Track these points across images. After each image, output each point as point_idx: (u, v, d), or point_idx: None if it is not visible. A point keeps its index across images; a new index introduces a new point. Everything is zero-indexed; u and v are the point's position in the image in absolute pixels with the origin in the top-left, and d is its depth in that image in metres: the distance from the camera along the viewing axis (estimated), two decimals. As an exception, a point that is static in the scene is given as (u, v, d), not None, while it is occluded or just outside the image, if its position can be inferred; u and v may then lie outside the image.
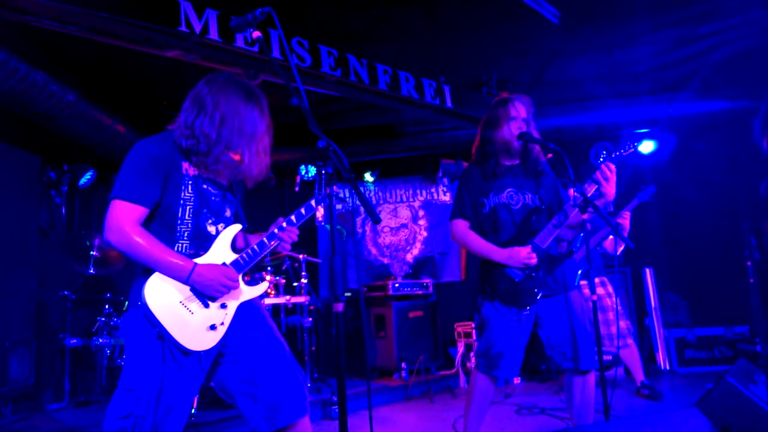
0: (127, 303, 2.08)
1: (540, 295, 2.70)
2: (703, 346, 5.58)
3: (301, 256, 5.15)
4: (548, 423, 3.79)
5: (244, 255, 2.07)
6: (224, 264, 2.03)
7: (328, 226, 6.36)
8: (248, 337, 2.09)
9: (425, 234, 7.09)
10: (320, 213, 1.51)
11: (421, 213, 7.13)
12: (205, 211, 2.08)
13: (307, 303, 4.99)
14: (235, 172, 2.10)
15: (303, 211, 2.13)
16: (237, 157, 2.06)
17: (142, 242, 1.89)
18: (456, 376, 5.57)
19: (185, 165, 2.04)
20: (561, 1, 4.10)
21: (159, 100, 5.23)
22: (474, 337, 5.53)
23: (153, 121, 5.40)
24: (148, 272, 1.94)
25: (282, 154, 6.09)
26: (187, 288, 1.95)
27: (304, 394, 2.10)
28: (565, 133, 5.88)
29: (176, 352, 1.93)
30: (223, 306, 2.02)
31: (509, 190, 2.82)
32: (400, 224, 7.09)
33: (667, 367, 5.61)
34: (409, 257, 7.03)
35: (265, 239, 2.10)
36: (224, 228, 2.12)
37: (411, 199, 7.16)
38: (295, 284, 5.11)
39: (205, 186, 2.09)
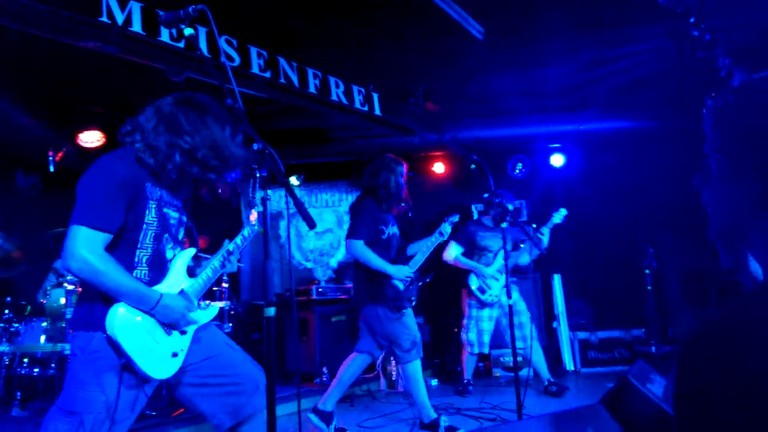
0: (74, 320, 1.97)
1: None
2: (605, 347, 5.99)
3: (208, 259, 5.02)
4: (463, 422, 3.94)
5: (200, 280, 2.11)
6: (183, 291, 2.05)
7: (261, 230, 6.24)
8: (202, 345, 2.12)
9: (350, 239, 7.13)
10: (253, 216, 1.50)
11: (346, 218, 7.15)
12: (166, 236, 2.05)
13: (227, 308, 4.88)
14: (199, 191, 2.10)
15: (247, 233, 2.21)
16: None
17: (108, 272, 1.82)
18: (377, 378, 5.63)
19: (149, 186, 1.97)
20: (485, 19, 4.30)
21: (70, 94, 4.95)
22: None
23: (61, 115, 5.11)
24: (108, 298, 1.87)
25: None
26: (151, 317, 1.93)
27: (263, 386, 2.16)
28: (484, 144, 6.14)
29: (134, 381, 1.91)
30: (184, 333, 2.04)
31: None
32: (325, 229, 7.09)
33: (573, 368, 5.97)
34: (333, 262, 7.04)
35: (216, 264, 2.14)
36: (179, 251, 2.11)
37: (337, 204, 7.18)
38: (216, 289, 4.98)
39: (166, 209, 2.05)
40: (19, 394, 4.40)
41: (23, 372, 4.25)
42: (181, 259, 2.10)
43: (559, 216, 4.89)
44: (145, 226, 1.97)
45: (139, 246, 1.97)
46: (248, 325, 5.64)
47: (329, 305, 5.87)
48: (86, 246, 1.80)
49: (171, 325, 1.99)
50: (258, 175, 1.58)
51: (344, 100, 4.65)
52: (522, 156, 6.74)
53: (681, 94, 5.55)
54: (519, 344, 4.84)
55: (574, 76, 5.53)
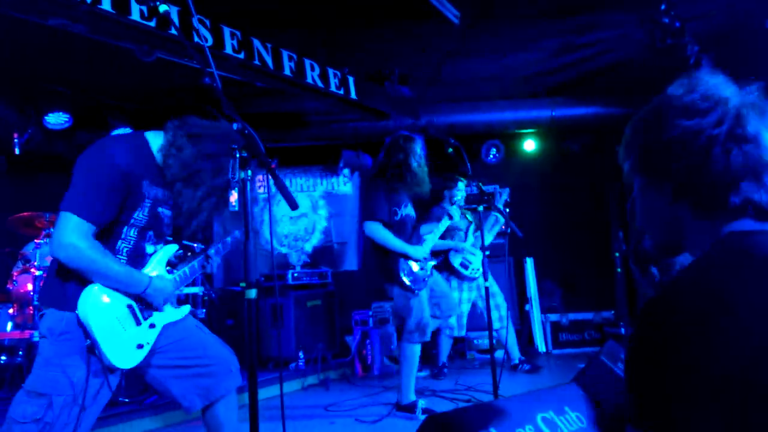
0: (44, 298, 1.93)
1: None
2: (575, 329, 6.14)
3: (195, 245, 4.96)
4: (439, 404, 4.00)
5: (177, 278, 2.12)
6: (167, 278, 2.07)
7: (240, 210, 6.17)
8: (172, 330, 2.11)
9: (325, 224, 7.11)
10: (233, 197, 1.49)
11: (321, 203, 7.13)
12: (151, 233, 2.04)
13: (201, 293, 4.82)
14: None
15: (229, 240, 2.25)
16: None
17: (99, 259, 1.81)
18: (351, 363, 5.67)
19: (146, 184, 1.94)
20: (461, 3, 4.30)
21: (35, 74, 4.77)
22: (370, 325, 5.66)
23: (26, 96, 4.93)
24: (81, 279, 1.84)
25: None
26: (125, 304, 1.92)
27: (234, 368, 2.19)
28: (458, 129, 6.16)
29: (101, 366, 1.88)
30: (152, 326, 2.02)
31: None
32: (300, 214, 7.05)
33: (544, 349, 6.11)
34: (308, 246, 7.01)
35: (195, 264, 2.15)
36: (160, 247, 2.10)
37: (311, 189, 7.14)
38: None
39: (160, 208, 2.03)
40: (-15, 382, 4.30)
41: (-10, 360, 4.14)
42: (162, 253, 2.10)
43: (503, 193, 5.08)
44: (132, 221, 1.96)
45: (122, 237, 1.96)
46: (222, 311, 5.59)
47: (304, 290, 5.85)
48: (76, 235, 1.77)
49: (154, 307, 2.00)
50: (238, 155, 1.56)
51: (320, 83, 4.60)
52: (496, 141, 6.79)
53: (650, 80, 5.64)
54: (496, 325, 4.95)
55: (546, 62, 5.58)
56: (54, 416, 1.79)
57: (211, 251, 2.23)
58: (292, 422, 3.86)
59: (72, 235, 1.77)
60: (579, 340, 6.11)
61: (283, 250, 6.93)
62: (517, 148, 7.07)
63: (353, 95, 4.86)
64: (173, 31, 3.53)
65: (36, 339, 3.86)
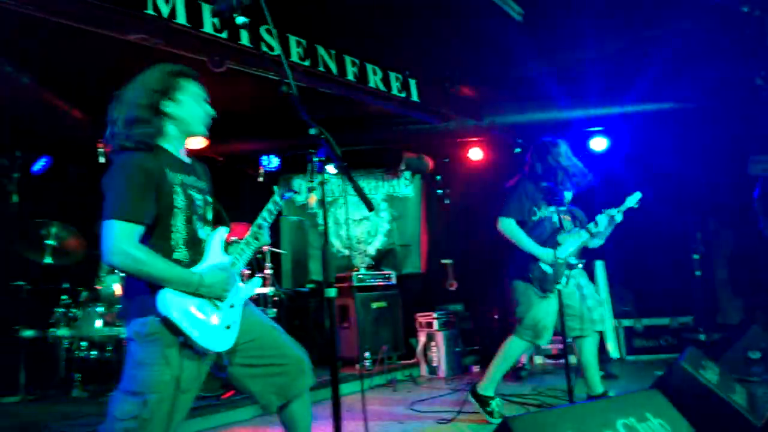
0: (126, 309, 2.05)
1: None
2: (650, 335, 5.89)
3: (264, 248, 5.13)
4: (508, 409, 3.93)
5: (236, 256, 2.17)
6: (220, 266, 2.11)
7: (319, 212, 6.31)
8: (248, 328, 2.18)
9: (387, 226, 7.16)
10: (312, 200, 1.54)
11: (383, 206, 7.20)
12: (195, 217, 2.10)
13: (271, 294, 4.98)
14: None
15: (272, 207, 2.24)
16: None
17: (149, 261, 1.89)
18: (417, 365, 5.68)
19: (169, 172, 2.03)
20: (522, 1, 4.22)
21: (117, 87, 5.07)
22: (434, 327, 5.65)
23: (107, 107, 5.24)
24: (153, 285, 1.94)
25: (243, 143, 6.03)
26: (196, 296, 1.99)
27: (308, 367, 2.25)
28: (523, 129, 6.06)
29: (194, 355, 1.98)
30: (232, 306, 2.11)
31: None
32: (362, 216, 7.14)
33: (618, 356, 5.89)
34: (371, 249, 7.09)
35: (249, 239, 2.19)
36: (211, 231, 2.18)
37: (373, 192, 7.21)
38: (259, 275, 5.08)
39: (190, 191, 2.10)
40: (78, 376, 4.61)
41: (82, 355, 4.44)
42: (216, 237, 2.16)
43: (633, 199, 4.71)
44: (174, 210, 2.01)
45: (173, 230, 2.02)
46: (290, 311, 5.75)
47: (369, 291, 5.92)
48: (123, 239, 1.85)
49: (217, 298, 2.06)
50: (316, 159, 1.61)
51: (382, 87, 4.65)
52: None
53: (728, 73, 5.35)
54: (598, 327, 4.71)
55: (615, 57, 5.39)
56: (150, 412, 1.89)
57: (259, 220, 2.26)
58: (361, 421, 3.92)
59: (119, 240, 1.85)
60: (655, 346, 5.85)
61: (347, 252, 7.03)
62: (583, 147, 6.85)
63: (415, 98, 4.88)
64: (242, 43, 3.69)
65: (124, 335, 4.11)
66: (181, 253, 2.03)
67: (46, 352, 4.70)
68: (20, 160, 5.10)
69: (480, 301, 6.36)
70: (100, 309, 4.36)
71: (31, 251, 4.70)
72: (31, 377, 4.66)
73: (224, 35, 3.66)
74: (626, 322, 5.93)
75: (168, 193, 1.99)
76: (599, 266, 6.15)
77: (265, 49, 3.87)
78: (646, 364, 5.44)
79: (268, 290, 4.93)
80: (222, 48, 3.80)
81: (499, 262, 4.98)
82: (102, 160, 5.23)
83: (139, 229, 1.90)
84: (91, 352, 4.42)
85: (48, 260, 4.70)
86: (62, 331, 4.45)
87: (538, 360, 5.84)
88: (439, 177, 7.15)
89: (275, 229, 6.72)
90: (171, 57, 3.96)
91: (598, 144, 6.81)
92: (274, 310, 4.92)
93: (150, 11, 3.45)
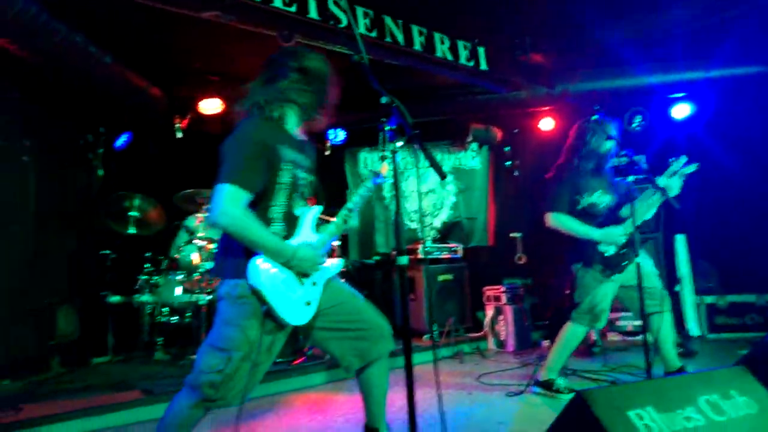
0: (220, 269, 2.19)
1: None
2: (734, 312, 5.55)
3: (332, 219, 5.21)
4: (582, 385, 3.84)
5: (326, 235, 2.28)
6: (311, 243, 2.21)
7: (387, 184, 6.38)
8: (331, 293, 2.30)
9: (453, 199, 7.09)
10: (384, 169, 1.54)
11: (449, 178, 7.11)
12: (295, 195, 2.22)
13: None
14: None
15: (363, 192, 2.33)
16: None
17: (251, 227, 2.01)
18: (484, 338, 5.65)
19: (283, 149, 2.13)
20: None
21: (191, 64, 5.25)
22: (502, 301, 5.58)
23: (184, 85, 5.44)
24: (248, 251, 2.06)
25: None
26: (286, 269, 2.10)
27: (387, 333, 2.36)
28: (598, 97, 5.76)
29: (274, 323, 2.10)
30: (315, 283, 2.21)
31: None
32: (428, 189, 7.10)
33: (698, 333, 5.61)
34: (437, 222, 7.05)
35: (339, 221, 2.29)
36: (307, 209, 2.27)
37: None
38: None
39: (297, 171, 2.21)
40: (161, 340, 4.91)
41: (163, 320, 4.71)
42: (310, 215, 2.25)
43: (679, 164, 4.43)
44: (279, 185, 2.13)
45: (275, 204, 2.14)
46: (357, 283, 5.83)
47: (436, 264, 5.91)
48: (232, 203, 1.98)
49: (304, 274, 2.15)
50: (387, 128, 1.60)
51: (449, 57, 4.55)
52: (640, 109, 6.26)
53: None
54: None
55: (699, 18, 4.99)
56: (233, 369, 2.04)
57: (351, 204, 2.34)
58: (431, 390, 3.96)
59: (229, 203, 1.98)
60: (739, 324, 5.52)
61: (413, 225, 7.03)
62: (663, 114, 6.46)
63: (483, 66, 4.75)
64: (311, 16, 3.70)
65: (201, 302, 4.33)
66: (278, 226, 2.15)
67: (131, 317, 5.03)
68: (104, 136, 5.40)
69: (549, 275, 6.21)
70: (180, 276, 4.59)
71: (115, 222, 5.00)
72: (119, 340, 5.01)
73: (293, 9, 3.67)
74: (708, 299, 5.62)
75: (277, 169, 2.12)
76: (680, 240, 5.85)
77: (332, 22, 3.86)
78: (729, 343, 5.15)
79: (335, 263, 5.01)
80: (291, 22, 3.82)
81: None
82: (179, 135, 5.47)
83: (247, 196, 2.02)
84: (172, 318, 4.69)
85: (131, 231, 4.99)
86: (145, 297, 4.73)
87: (613, 337, 5.65)
88: (508, 148, 6.98)
89: (342, 201, 6.80)
90: (242, 33, 4.04)
91: (681, 111, 6.40)
92: (342, 281, 5.00)
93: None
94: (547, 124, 6.60)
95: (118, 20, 4.32)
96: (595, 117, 3.60)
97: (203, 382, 2.06)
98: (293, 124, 2.26)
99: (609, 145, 3.52)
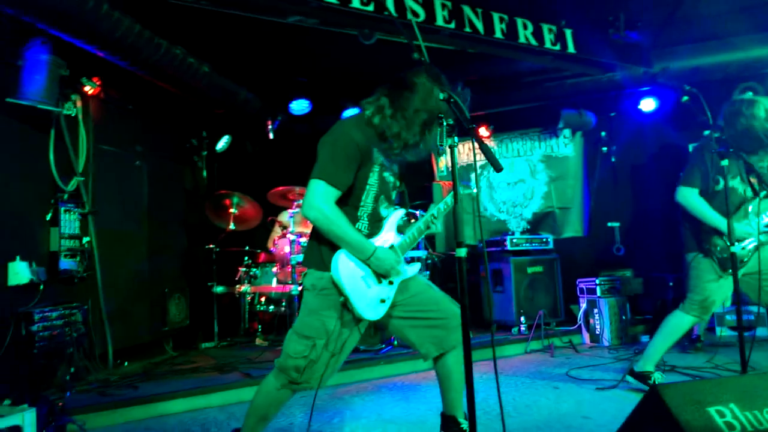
0: (308, 260, 2.35)
1: None
2: None
3: (417, 212, 5.27)
4: (678, 380, 3.64)
5: (407, 238, 2.35)
6: (393, 246, 2.31)
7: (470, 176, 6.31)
8: (409, 285, 2.40)
9: (544, 188, 6.89)
10: (442, 163, 1.58)
11: (539, 167, 6.91)
12: (382, 196, 2.33)
13: (424, 257, 5.13)
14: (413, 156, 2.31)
15: (449, 201, 2.36)
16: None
17: (338, 222, 2.14)
18: (578, 332, 5.47)
19: (375, 152, 2.25)
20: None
21: (279, 68, 5.52)
22: (597, 294, 5.37)
23: (275, 88, 5.73)
24: (334, 245, 2.20)
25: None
26: (366, 266, 2.22)
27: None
28: (703, 73, 5.34)
29: (352, 315, 2.23)
30: (391, 283, 2.31)
31: None
32: (518, 179, 6.94)
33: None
34: (527, 212, 6.89)
35: (421, 226, 2.35)
36: (392, 211, 2.38)
37: (529, 153, 6.95)
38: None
39: (386, 174, 2.32)
40: (260, 327, 5.26)
41: (262, 309, 5.04)
42: (393, 217, 2.36)
43: None
44: (368, 186, 2.25)
45: (361, 204, 2.26)
46: (443, 275, 5.86)
47: (524, 256, 5.80)
48: (322, 198, 2.11)
49: (382, 274, 2.26)
50: (445, 123, 1.63)
51: (533, 42, 4.43)
52: (752, 83, 5.72)
53: None
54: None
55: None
56: (316, 355, 2.20)
57: (435, 211, 2.39)
58: (516, 379, 3.94)
59: (319, 198, 2.11)
60: None
61: (502, 216, 6.91)
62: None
63: (571, 50, 4.57)
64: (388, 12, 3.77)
65: (294, 292, 4.59)
66: (362, 224, 2.27)
67: (233, 306, 5.43)
68: (206, 139, 5.84)
69: (652, 267, 5.87)
70: (275, 269, 4.89)
71: (218, 219, 5.40)
72: (223, 327, 5.43)
73: (371, 8, 3.76)
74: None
75: (367, 170, 2.23)
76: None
77: (410, 16, 3.91)
78: None
79: (420, 253, 5.09)
80: (371, 21, 3.92)
81: (675, 225, 4.57)
82: (271, 136, 5.79)
83: (336, 193, 2.15)
84: (270, 307, 5.00)
85: (232, 226, 5.37)
86: (245, 288, 5.08)
87: (722, 332, 5.25)
88: (603, 133, 6.65)
89: (427, 193, 6.85)
90: (325, 34, 4.20)
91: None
92: (427, 272, 5.07)
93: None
94: (647, 105, 6.20)
95: (212, 32, 4.65)
96: (745, 99, 3.35)
97: (290, 366, 2.22)
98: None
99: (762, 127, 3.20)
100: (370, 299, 2.23)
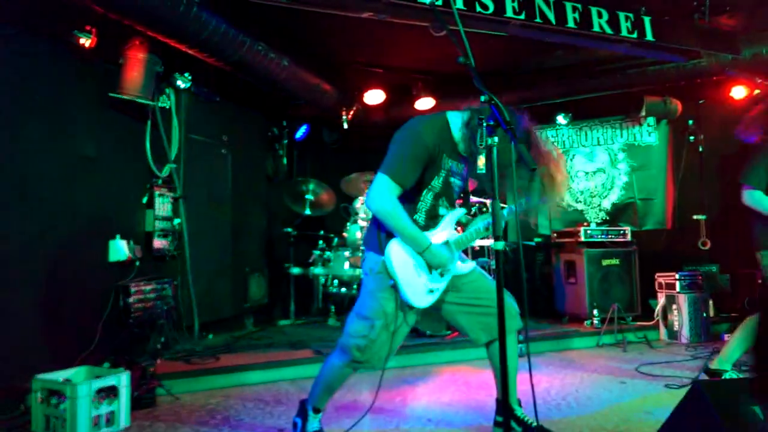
0: (367, 245, 2.50)
1: None
2: None
3: (488, 201, 5.30)
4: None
5: (464, 237, 2.44)
6: (447, 241, 2.40)
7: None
8: (463, 274, 2.50)
9: (625, 178, 6.65)
10: (481, 162, 1.66)
11: (620, 156, 6.68)
12: (443, 198, 2.46)
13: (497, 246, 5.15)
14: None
15: (507, 212, 2.43)
16: None
17: (396, 215, 2.28)
18: (655, 328, 5.30)
19: (444, 156, 2.36)
20: None
21: (353, 60, 5.70)
22: (676, 289, 5.17)
23: (349, 79, 5.92)
24: (391, 233, 2.34)
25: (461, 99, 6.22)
26: (419, 257, 2.35)
27: (515, 312, 2.50)
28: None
29: (402, 302, 2.36)
30: (443, 276, 2.42)
31: None
32: (596, 168, 6.75)
33: None
34: (606, 203, 6.69)
35: (481, 228, 2.43)
36: (451, 210, 2.50)
37: (609, 142, 6.72)
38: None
39: (452, 178, 2.45)
40: (333, 307, 5.54)
41: (334, 291, 5.29)
42: (452, 215, 2.47)
43: None
44: (430, 187, 2.38)
45: (421, 200, 2.39)
46: (514, 262, 5.85)
47: (600, 247, 5.66)
48: (386, 192, 2.25)
49: (434, 267, 2.37)
50: (485, 123, 1.71)
51: (608, 30, 4.30)
52: None
53: None
54: None
55: None
56: (375, 335, 2.34)
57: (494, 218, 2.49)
58: (583, 372, 3.93)
59: (382, 191, 2.25)
60: None
61: (579, 206, 6.76)
62: None
63: (649, 37, 4.39)
64: (458, 6, 3.82)
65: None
66: (420, 218, 2.40)
67: (307, 287, 5.74)
68: (286, 128, 6.16)
69: (740, 263, 5.55)
70: (347, 252, 5.11)
71: (295, 204, 5.71)
72: (298, 306, 5.75)
73: (439, 2, 3.82)
74: None
75: (434, 173, 2.36)
76: None
77: (479, 9, 3.94)
78: None
79: (490, 242, 5.12)
80: (436, 14, 3.97)
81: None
82: (345, 125, 6.00)
83: (399, 190, 2.29)
84: (342, 289, 5.24)
85: (307, 212, 5.65)
86: (319, 270, 5.36)
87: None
88: (691, 121, 6.31)
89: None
90: (396, 26, 4.31)
91: None
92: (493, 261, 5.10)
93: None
94: (738, 92, 5.83)
95: (291, 27, 4.89)
96: None
97: (351, 345, 2.38)
98: (457, 131, 2.39)
99: None
100: (418, 287, 2.34)
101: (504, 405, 1.82)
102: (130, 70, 3.88)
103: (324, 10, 4.03)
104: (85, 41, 3.66)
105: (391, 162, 2.26)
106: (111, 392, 2.92)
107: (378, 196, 2.24)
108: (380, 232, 2.37)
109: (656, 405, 3.19)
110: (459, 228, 2.52)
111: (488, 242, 5.15)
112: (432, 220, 2.42)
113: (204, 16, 3.81)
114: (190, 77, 4.66)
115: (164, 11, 3.55)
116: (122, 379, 2.98)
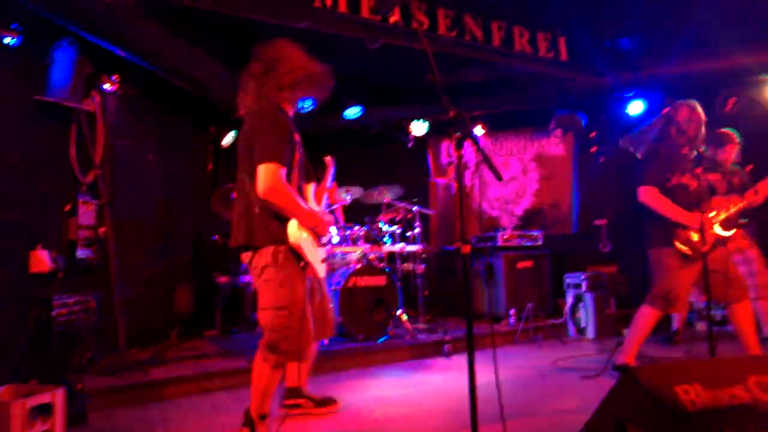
0: (258, 240, 2.48)
1: None
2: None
3: (414, 208, 5.50)
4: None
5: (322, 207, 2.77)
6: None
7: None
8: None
9: (536, 186, 7.15)
10: (451, 173, 1.81)
11: (531, 166, 7.17)
12: (301, 171, 2.62)
13: (420, 251, 5.37)
14: None
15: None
16: None
17: (292, 198, 2.39)
18: (564, 325, 5.73)
19: (294, 131, 2.55)
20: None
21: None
22: (583, 288, 5.63)
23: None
24: (280, 218, 2.41)
25: (395, 112, 6.42)
26: (309, 232, 2.49)
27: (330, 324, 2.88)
28: (688, 80, 5.61)
29: (308, 278, 2.54)
30: (323, 245, 2.66)
31: None
32: (510, 177, 7.19)
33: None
34: (519, 210, 7.15)
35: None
36: (305, 185, 2.70)
37: (521, 152, 7.21)
38: (409, 234, 5.51)
39: (300, 150, 2.59)
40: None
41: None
42: (309, 190, 2.72)
43: None
44: (297, 163, 2.52)
45: (290, 180, 2.46)
46: (438, 270, 6.10)
47: (515, 251, 6.05)
48: (278, 179, 2.33)
49: (322, 234, 2.59)
50: (455, 137, 1.87)
51: (527, 49, 4.67)
52: (735, 89, 5.97)
53: None
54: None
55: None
56: (296, 320, 2.40)
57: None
58: (504, 368, 4.18)
59: (277, 180, 2.32)
60: None
61: (494, 212, 7.16)
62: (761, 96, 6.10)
63: (563, 57, 4.82)
64: (394, 19, 3.99)
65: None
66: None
67: (235, 297, 5.62)
68: (214, 135, 6.03)
69: (636, 264, 6.13)
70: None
71: (224, 211, 5.58)
72: (226, 316, 5.62)
73: (377, 18, 3.98)
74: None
75: (293, 148, 2.48)
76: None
77: (416, 24, 4.13)
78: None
79: (416, 247, 5.31)
80: (377, 29, 4.13)
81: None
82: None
83: (285, 171, 2.37)
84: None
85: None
86: (248, 279, 5.29)
87: (702, 327, 5.53)
88: (593, 134, 6.91)
89: (424, 190, 7.07)
90: (333, 37, 4.39)
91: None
92: (424, 265, 5.32)
93: (317, 4, 3.91)
94: (636, 107, 6.46)
95: (217, 28, 4.79)
96: (679, 102, 3.66)
97: (276, 340, 2.44)
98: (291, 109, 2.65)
99: (695, 126, 3.56)
100: (318, 260, 2.58)
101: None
102: (58, 71, 3.67)
103: (256, 17, 4.03)
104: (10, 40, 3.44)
105: (269, 148, 2.40)
106: (44, 410, 2.76)
107: (274, 185, 2.36)
108: (273, 223, 2.47)
109: (576, 394, 3.49)
110: None
111: (415, 248, 5.33)
112: (301, 197, 2.63)
113: (140, 19, 3.71)
114: (117, 79, 4.47)
115: (99, 11, 3.42)
116: (58, 396, 2.83)
